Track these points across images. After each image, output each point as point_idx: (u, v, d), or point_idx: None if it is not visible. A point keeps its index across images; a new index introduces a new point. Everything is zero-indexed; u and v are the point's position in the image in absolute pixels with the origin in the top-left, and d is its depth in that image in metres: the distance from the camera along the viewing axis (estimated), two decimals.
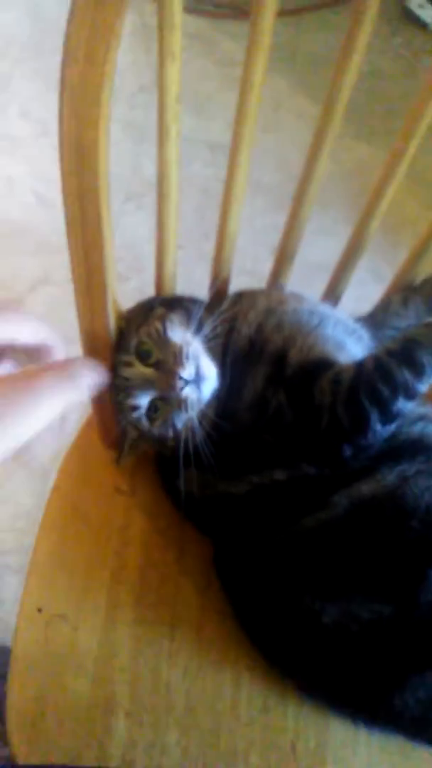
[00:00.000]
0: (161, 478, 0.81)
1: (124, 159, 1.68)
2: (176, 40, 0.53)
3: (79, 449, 0.86)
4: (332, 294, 0.84)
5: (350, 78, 0.64)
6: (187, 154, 1.79)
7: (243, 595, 0.75)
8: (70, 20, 0.47)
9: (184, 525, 0.80)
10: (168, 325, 0.69)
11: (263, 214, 1.92)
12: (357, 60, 0.62)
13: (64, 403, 0.47)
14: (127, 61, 1.88)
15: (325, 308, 0.79)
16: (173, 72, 0.54)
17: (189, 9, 2.14)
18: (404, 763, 0.71)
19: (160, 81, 0.55)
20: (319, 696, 0.72)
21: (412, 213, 1.76)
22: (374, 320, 0.83)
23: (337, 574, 0.68)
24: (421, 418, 0.73)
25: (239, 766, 0.70)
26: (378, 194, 0.73)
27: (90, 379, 0.56)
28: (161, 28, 0.53)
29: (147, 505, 0.82)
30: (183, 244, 1.67)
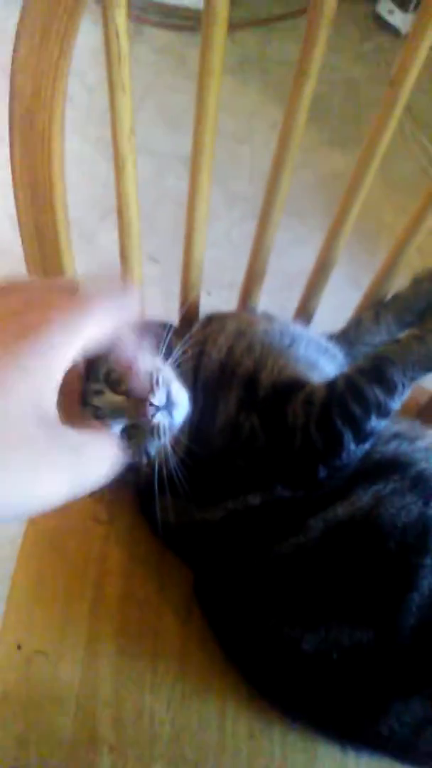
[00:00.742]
0: (139, 506, 0.80)
1: (97, 177, 1.67)
2: (125, 72, 0.52)
3: None
4: (305, 311, 0.83)
5: (309, 85, 0.63)
6: (160, 169, 1.80)
7: (224, 624, 0.74)
8: (14, 59, 0.46)
9: (164, 553, 0.79)
10: None
11: (240, 224, 1.92)
12: (316, 66, 0.61)
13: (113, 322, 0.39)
14: (97, 79, 1.87)
15: (297, 328, 0.79)
16: (125, 104, 0.54)
17: (156, 23, 2.15)
18: None
19: (112, 114, 0.54)
20: (305, 722, 0.71)
21: (388, 219, 1.76)
22: (347, 337, 0.83)
23: (315, 600, 0.67)
24: (396, 436, 0.72)
25: None
26: (344, 210, 0.72)
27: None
28: (109, 59, 0.52)
29: (126, 533, 0.81)
30: (160, 258, 1.68)
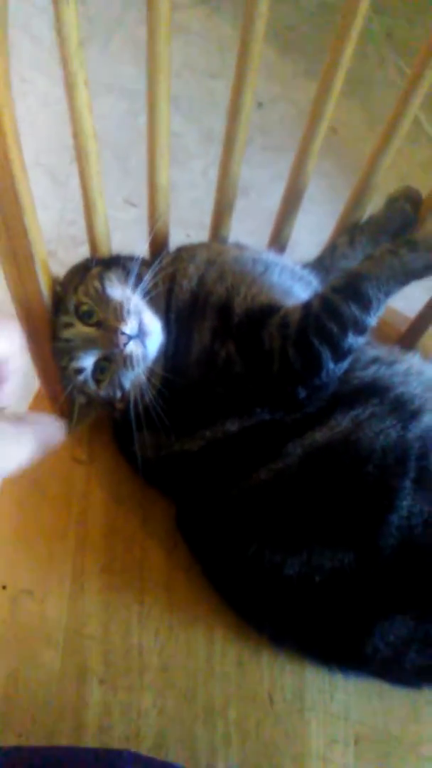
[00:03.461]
0: (118, 444, 0.80)
1: (67, 119, 1.62)
2: None
3: None
4: (278, 239, 0.81)
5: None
6: (132, 108, 1.74)
7: (208, 553, 0.74)
8: None
9: (146, 488, 0.79)
10: (107, 282, 0.67)
11: (217, 163, 1.87)
12: None
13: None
14: None
15: (270, 255, 0.77)
16: (69, 16, 0.51)
17: None
18: (381, 704, 0.72)
19: (57, 28, 0.51)
20: (291, 646, 0.72)
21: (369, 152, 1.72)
22: (323, 264, 0.81)
23: (295, 525, 0.67)
24: (374, 361, 0.71)
25: (218, 722, 0.71)
26: (310, 135, 0.70)
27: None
28: None
29: (107, 472, 0.81)
30: (136, 202, 1.64)
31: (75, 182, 0.65)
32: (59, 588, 0.75)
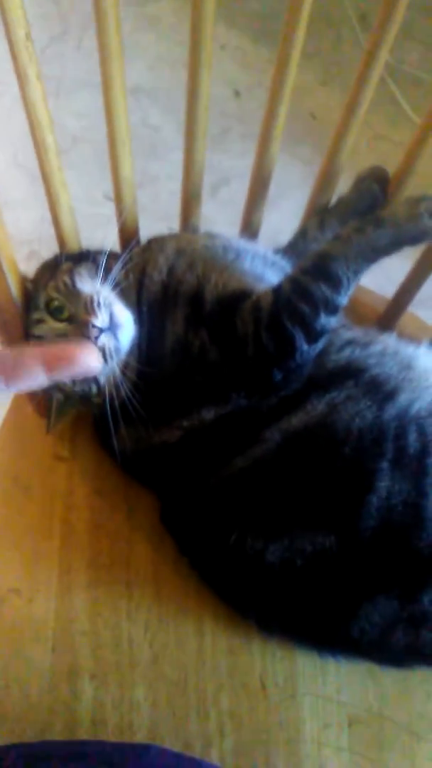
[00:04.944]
0: (99, 439, 0.79)
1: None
2: None
3: (13, 422, 0.84)
4: (249, 226, 0.81)
5: None
6: None
7: (193, 544, 0.74)
8: None
9: (130, 483, 0.79)
10: (76, 277, 0.67)
11: None
12: None
13: None
14: (36, 14, 1.79)
15: (241, 242, 0.77)
16: (14, 6, 0.50)
17: None
18: (374, 686, 0.72)
19: (3, 21, 0.51)
20: (279, 632, 0.72)
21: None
22: (295, 249, 0.81)
23: (275, 510, 0.67)
24: (349, 343, 0.71)
25: (210, 711, 0.70)
26: (270, 118, 0.69)
27: None
28: None
29: (90, 468, 0.81)
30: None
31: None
32: (46, 585, 0.75)
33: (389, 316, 0.85)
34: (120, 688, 0.71)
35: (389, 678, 0.72)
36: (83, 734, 0.69)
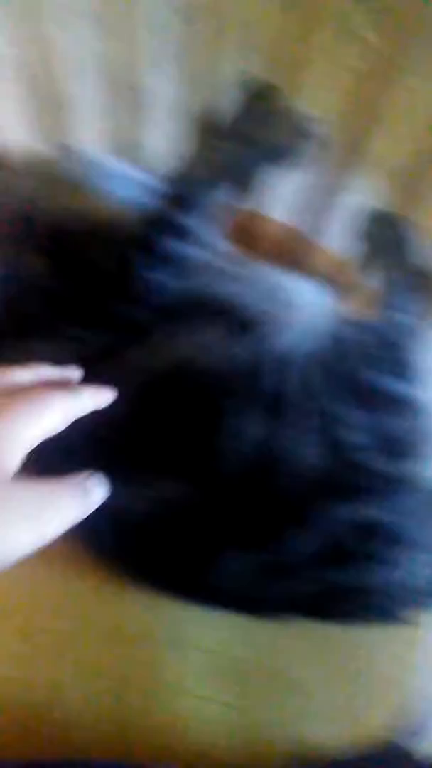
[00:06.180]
0: None
1: None
2: None
3: None
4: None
5: None
6: None
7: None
8: None
9: None
10: None
11: None
12: None
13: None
14: None
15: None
16: None
17: None
18: (242, 635, 0.69)
19: None
20: (144, 581, 0.68)
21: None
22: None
23: (135, 458, 0.62)
24: (207, 269, 0.64)
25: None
26: None
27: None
28: None
29: None
30: None
31: None
32: None
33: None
34: None
35: (261, 629, 0.68)
36: None
